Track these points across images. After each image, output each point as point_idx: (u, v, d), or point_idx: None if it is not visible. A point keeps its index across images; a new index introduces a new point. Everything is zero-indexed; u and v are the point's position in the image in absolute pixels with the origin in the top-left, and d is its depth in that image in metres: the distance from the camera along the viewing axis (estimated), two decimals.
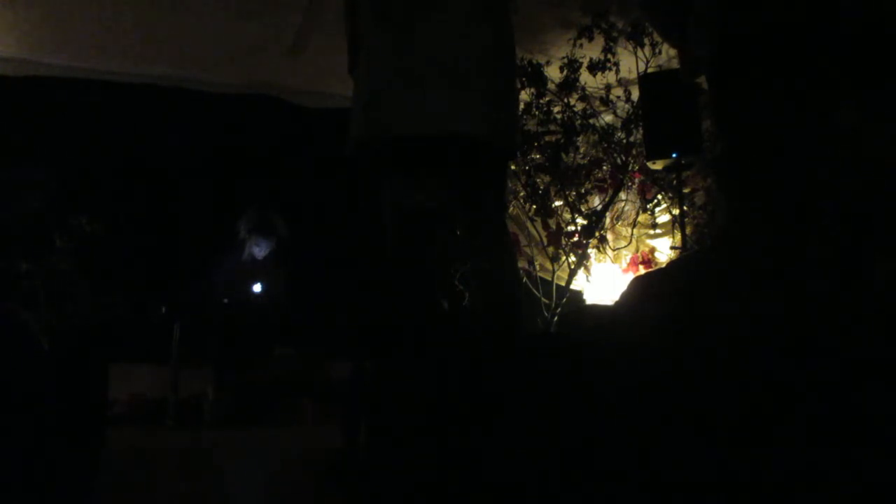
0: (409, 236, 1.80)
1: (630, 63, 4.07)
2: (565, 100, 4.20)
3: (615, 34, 3.98)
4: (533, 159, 4.27)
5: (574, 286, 4.30)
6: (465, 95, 1.75)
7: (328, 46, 3.62)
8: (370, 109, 1.77)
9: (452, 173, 1.85)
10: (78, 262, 4.16)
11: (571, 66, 4.10)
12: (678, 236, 3.86)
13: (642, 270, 4.18)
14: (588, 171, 4.25)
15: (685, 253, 3.64)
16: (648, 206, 4.36)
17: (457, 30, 1.78)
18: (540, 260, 4.49)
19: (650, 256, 4.31)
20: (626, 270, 4.30)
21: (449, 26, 1.77)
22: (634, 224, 4.40)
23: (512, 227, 4.56)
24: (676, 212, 3.89)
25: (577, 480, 1.25)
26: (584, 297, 4.35)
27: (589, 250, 4.22)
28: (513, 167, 4.38)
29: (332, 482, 2.00)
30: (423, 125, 1.72)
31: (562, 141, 4.17)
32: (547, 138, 4.23)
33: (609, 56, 4.02)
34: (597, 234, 4.16)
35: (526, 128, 4.22)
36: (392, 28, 1.79)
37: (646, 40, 3.99)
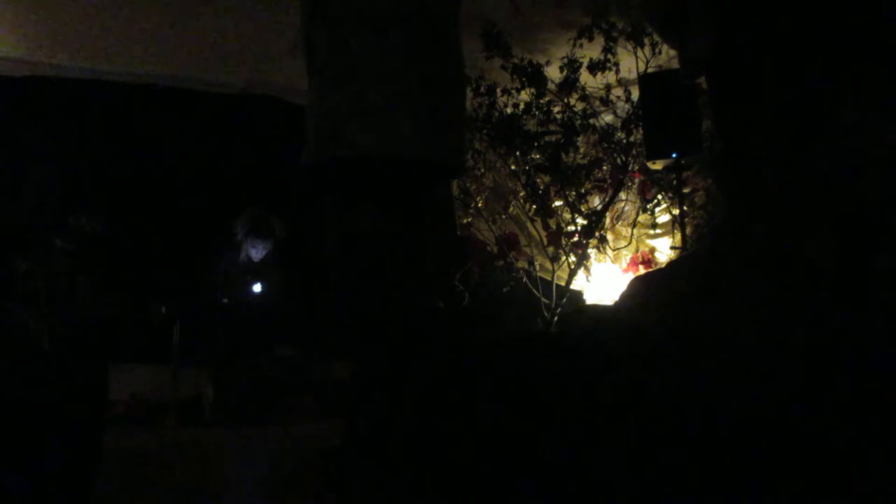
0: (353, 259, 1.81)
1: (630, 63, 4.07)
2: (565, 100, 4.21)
3: (615, 34, 3.98)
4: (533, 159, 4.28)
5: (574, 286, 4.30)
6: (412, 117, 1.76)
7: None
8: (321, 132, 1.80)
9: (396, 194, 1.85)
10: (78, 262, 4.16)
11: (571, 66, 4.10)
12: (678, 236, 3.86)
13: (642, 270, 4.18)
14: (588, 171, 4.25)
15: (685, 253, 3.64)
16: (648, 206, 4.36)
17: (402, 51, 1.79)
18: (540, 260, 4.50)
19: (650, 256, 4.31)
20: (626, 270, 4.30)
21: (396, 48, 1.79)
22: (634, 224, 4.40)
23: (512, 227, 4.57)
24: (676, 212, 3.89)
25: (577, 479, 1.25)
26: (584, 297, 4.35)
27: (589, 250, 4.22)
28: (513, 167, 4.39)
29: (330, 482, 2.01)
30: (373, 147, 1.74)
31: (562, 141, 4.17)
32: (547, 138, 4.23)
33: (609, 56, 4.02)
34: (597, 234, 4.16)
35: (526, 128, 4.22)
36: (342, 49, 1.80)
37: (646, 40, 3.99)
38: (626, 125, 4.19)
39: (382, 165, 1.76)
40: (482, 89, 4.22)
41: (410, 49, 1.79)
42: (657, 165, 3.84)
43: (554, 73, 4.18)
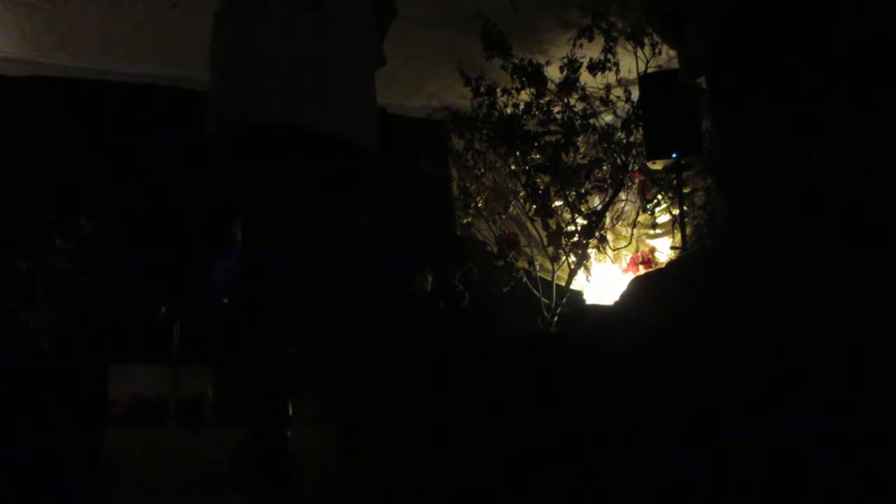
0: (267, 242, 1.81)
1: (630, 63, 4.08)
2: (565, 100, 4.21)
3: (615, 34, 3.99)
4: (533, 159, 4.28)
5: (574, 286, 4.30)
6: (311, 91, 1.75)
7: None
8: (213, 104, 1.82)
9: (305, 174, 1.84)
10: (78, 262, 4.15)
11: (571, 66, 4.10)
12: (678, 236, 3.86)
13: (642, 270, 4.18)
14: (588, 171, 4.25)
15: (685, 253, 3.64)
16: (648, 206, 4.36)
17: (305, 33, 1.79)
18: (540, 260, 4.50)
19: (650, 256, 4.31)
20: (626, 270, 4.31)
21: (297, 30, 1.79)
22: (634, 224, 4.40)
23: (512, 227, 4.57)
24: (676, 212, 3.89)
25: (576, 478, 1.25)
26: (584, 297, 4.35)
27: (589, 250, 4.22)
28: (513, 167, 4.39)
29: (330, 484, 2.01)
30: (264, 118, 1.74)
31: (562, 141, 4.17)
32: (547, 138, 4.23)
33: (609, 56, 4.03)
34: (597, 234, 4.16)
35: (526, 128, 4.23)
36: (237, 22, 1.81)
37: (646, 40, 4.00)
38: (626, 125, 4.19)
39: (282, 140, 1.76)
40: (482, 89, 4.23)
41: (314, 30, 1.79)
42: (657, 165, 3.84)
43: (554, 73, 4.18)
